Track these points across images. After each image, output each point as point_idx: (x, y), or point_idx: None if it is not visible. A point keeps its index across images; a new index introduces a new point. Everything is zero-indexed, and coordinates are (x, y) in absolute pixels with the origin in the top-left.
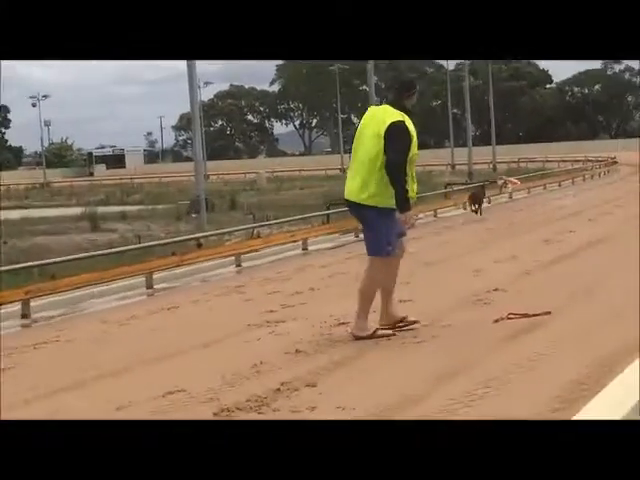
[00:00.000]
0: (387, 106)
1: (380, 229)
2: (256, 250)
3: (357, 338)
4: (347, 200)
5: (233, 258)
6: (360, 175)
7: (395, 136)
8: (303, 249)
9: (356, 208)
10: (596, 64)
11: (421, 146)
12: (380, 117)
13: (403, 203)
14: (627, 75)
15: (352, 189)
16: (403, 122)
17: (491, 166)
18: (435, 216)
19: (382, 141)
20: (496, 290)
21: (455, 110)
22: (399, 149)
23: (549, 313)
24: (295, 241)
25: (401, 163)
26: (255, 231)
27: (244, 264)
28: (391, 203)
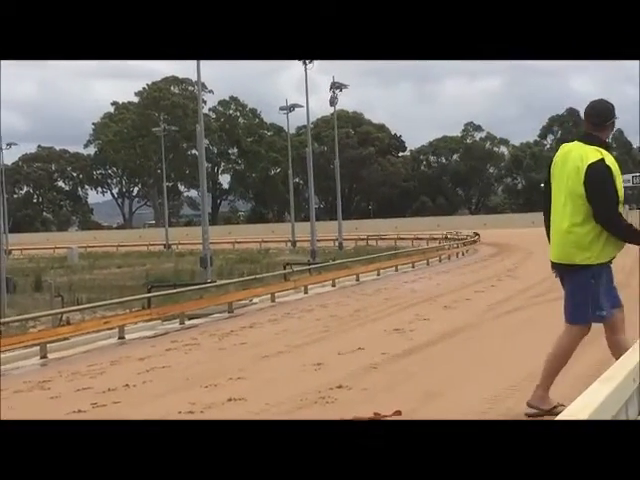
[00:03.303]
0: (579, 143)
1: (588, 292)
2: (65, 339)
3: (532, 408)
4: (558, 264)
5: (37, 348)
6: (566, 233)
7: (597, 182)
8: (119, 338)
9: (566, 270)
10: (455, 131)
11: (257, 219)
12: (575, 158)
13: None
14: (488, 144)
15: (563, 250)
16: (602, 160)
17: (337, 243)
18: (273, 300)
19: (583, 187)
20: (340, 387)
21: (297, 179)
22: (606, 197)
23: (399, 413)
24: (110, 328)
25: (614, 213)
26: (64, 317)
27: (50, 355)
28: (604, 257)
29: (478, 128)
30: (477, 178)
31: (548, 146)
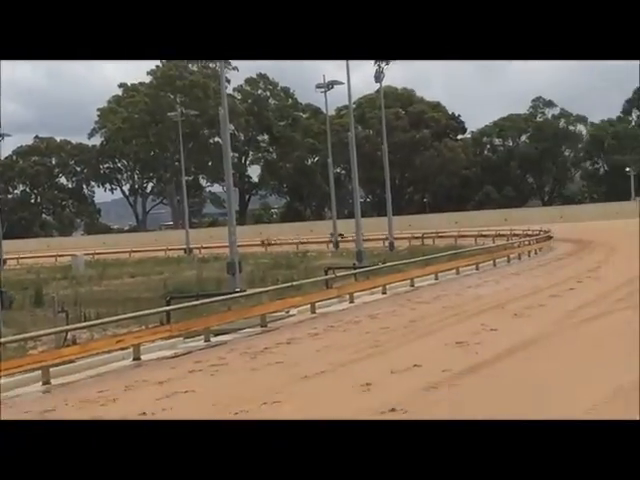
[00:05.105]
0: None
1: None
2: (71, 361)
3: None
4: None
5: (39, 373)
6: None
7: None
8: (135, 359)
9: None
10: (522, 108)
11: (293, 217)
12: None
13: None
14: (562, 122)
15: None
16: None
17: (387, 243)
18: (313, 312)
19: None
20: (393, 410)
21: (338, 169)
22: None
23: None
24: (124, 348)
25: None
26: (69, 335)
27: (55, 380)
28: None
29: (550, 104)
30: (550, 163)
31: (633, 123)
